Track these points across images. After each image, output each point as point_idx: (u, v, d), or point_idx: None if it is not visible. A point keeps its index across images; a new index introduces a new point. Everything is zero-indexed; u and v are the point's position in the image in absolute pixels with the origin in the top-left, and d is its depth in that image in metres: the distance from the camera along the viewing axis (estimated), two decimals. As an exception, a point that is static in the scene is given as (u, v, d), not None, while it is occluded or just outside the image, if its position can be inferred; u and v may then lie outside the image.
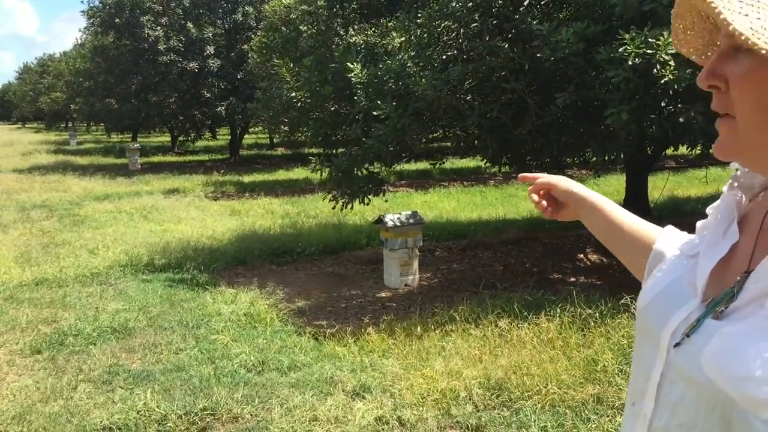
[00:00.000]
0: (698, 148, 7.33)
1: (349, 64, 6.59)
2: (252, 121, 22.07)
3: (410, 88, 6.41)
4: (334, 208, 7.04)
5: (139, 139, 35.84)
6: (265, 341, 5.30)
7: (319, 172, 6.94)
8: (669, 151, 8.88)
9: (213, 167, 21.64)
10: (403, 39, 6.90)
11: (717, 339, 0.83)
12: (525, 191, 14.71)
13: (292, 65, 7.02)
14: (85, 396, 4.42)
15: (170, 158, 26.28)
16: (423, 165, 17.58)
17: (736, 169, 1.00)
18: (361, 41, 11.77)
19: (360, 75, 6.53)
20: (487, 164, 8.16)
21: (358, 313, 6.45)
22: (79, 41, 39.21)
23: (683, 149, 7.84)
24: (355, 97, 6.64)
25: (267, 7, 16.04)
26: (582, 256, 8.55)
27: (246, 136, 29.46)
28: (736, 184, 0.99)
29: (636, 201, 8.78)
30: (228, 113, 21.38)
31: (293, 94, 6.89)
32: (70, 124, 61.52)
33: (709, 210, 1.06)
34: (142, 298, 6.57)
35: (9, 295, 6.78)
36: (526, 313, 5.43)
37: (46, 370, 4.85)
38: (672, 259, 1.04)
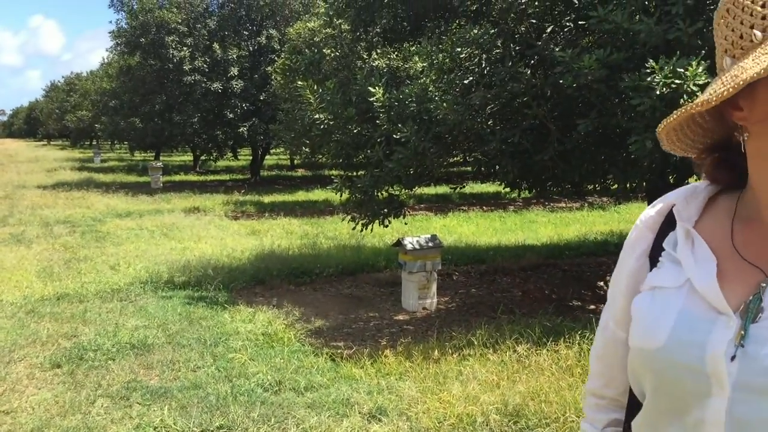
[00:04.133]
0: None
1: (371, 87, 6.65)
2: (274, 143, 22.26)
3: (432, 112, 6.45)
4: (354, 228, 7.06)
5: (161, 158, 36.28)
6: (282, 361, 5.31)
7: (340, 193, 6.97)
8: (692, 179, 8.82)
9: (234, 187, 21.84)
10: (425, 64, 6.96)
11: None
12: (545, 217, 14.72)
13: (315, 87, 7.10)
14: (103, 411, 4.45)
15: (192, 177, 26.56)
16: (442, 189, 17.61)
17: (673, 205, 1.08)
18: (384, 65, 11.91)
19: (382, 98, 6.58)
20: (507, 189, 8.17)
21: (375, 335, 6.44)
22: (106, 60, 40.01)
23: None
24: (377, 120, 6.69)
25: (292, 30, 16.34)
26: (602, 283, 8.48)
27: (267, 157, 29.73)
28: (678, 217, 1.05)
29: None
30: (250, 134, 21.59)
31: (316, 115, 6.96)
32: (94, 142, 62.50)
33: (631, 250, 1.12)
34: (162, 315, 6.62)
35: (30, 309, 6.86)
36: (544, 339, 5.41)
37: (65, 384, 4.89)
38: (658, 297, 1.01)
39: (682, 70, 5.01)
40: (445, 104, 6.16)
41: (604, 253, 10.54)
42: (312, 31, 14.15)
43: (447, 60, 6.70)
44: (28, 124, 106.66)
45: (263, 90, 21.08)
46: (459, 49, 6.49)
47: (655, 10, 5.78)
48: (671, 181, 8.34)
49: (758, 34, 0.87)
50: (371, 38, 8.67)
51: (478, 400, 4.44)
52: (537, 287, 8.33)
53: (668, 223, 1.08)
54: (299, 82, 7.29)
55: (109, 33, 22.31)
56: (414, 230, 11.49)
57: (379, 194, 6.83)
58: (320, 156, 16.51)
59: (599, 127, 5.91)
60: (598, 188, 7.82)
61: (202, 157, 28.43)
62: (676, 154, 1.07)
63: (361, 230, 7.00)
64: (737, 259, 0.97)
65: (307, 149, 15.44)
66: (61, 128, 62.56)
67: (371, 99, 6.56)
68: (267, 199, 18.29)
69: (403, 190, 7.37)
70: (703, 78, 4.99)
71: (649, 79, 5.07)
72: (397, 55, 11.36)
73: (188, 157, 37.77)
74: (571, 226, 13.27)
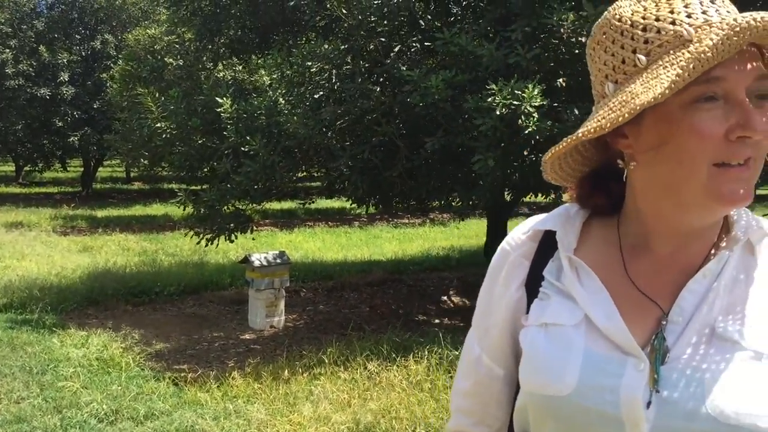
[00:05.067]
0: (551, 195, 7.76)
1: (218, 98, 6.42)
2: (108, 154, 20.99)
3: (281, 126, 6.33)
4: (198, 244, 6.75)
5: (-23, 168, 33.08)
6: (119, 388, 4.92)
7: (184, 207, 6.65)
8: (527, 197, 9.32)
9: (63, 200, 20.31)
10: (274, 76, 6.84)
11: (697, 379, 0.84)
12: (389, 232, 14.93)
13: (158, 95, 6.75)
14: None
15: (14, 189, 24.40)
16: (288, 204, 17.43)
17: (546, 231, 1.02)
18: (229, 76, 11.62)
19: (230, 110, 6.37)
20: (353, 205, 8.20)
21: (221, 356, 6.17)
22: None
23: (540, 197, 8.28)
24: (225, 132, 6.46)
25: (130, 35, 15.55)
26: (446, 298, 8.72)
27: (100, 168, 27.97)
28: (560, 245, 0.99)
29: (496, 245, 9.11)
30: (82, 144, 20.23)
31: (158, 124, 6.61)
32: None
33: (506, 279, 1.04)
34: (-22, 341, 5.95)
35: None
36: (394, 355, 5.42)
37: None
38: (554, 336, 0.94)
39: (519, 92, 5.26)
40: (295, 117, 6.07)
41: (446, 267, 10.88)
42: (152, 38, 13.53)
43: (297, 74, 6.63)
44: None
45: (97, 98, 19.85)
46: (309, 63, 6.44)
47: (495, 36, 6.05)
48: (507, 198, 8.77)
49: (642, 58, 0.85)
50: (217, 49, 8.40)
51: (330, 420, 4.35)
52: (384, 303, 8.40)
53: (543, 250, 1.02)
54: (140, 90, 6.89)
55: None
56: (259, 246, 11.24)
57: (226, 209, 6.59)
58: (162, 168, 15.80)
59: (445, 145, 6.06)
60: (442, 204, 8.05)
61: (26, 168, 26.26)
62: (556, 183, 1.03)
63: (206, 246, 6.71)
64: (630, 292, 0.93)
65: (145, 161, 14.72)
66: None
67: (219, 110, 6.33)
68: (100, 213, 17.20)
69: (251, 204, 7.18)
70: (539, 100, 5.27)
71: (489, 100, 5.28)
72: (243, 67, 11.13)
73: (9, 168, 34.75)
74: (414, 242, 13.58)
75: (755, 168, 0.86)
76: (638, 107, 0.82)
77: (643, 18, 0.87)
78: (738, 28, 0.78)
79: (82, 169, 25.24)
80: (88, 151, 21.30)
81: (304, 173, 7.22)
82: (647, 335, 0.89)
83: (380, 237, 14.47)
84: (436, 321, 7.62)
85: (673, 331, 0.88)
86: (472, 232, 14.48)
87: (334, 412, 4.45)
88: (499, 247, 1.09)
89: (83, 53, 20.95)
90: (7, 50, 19.13)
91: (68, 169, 33.06)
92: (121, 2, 19.37)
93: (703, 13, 0.84)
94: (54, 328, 6.46)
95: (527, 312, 1.00)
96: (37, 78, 19.49)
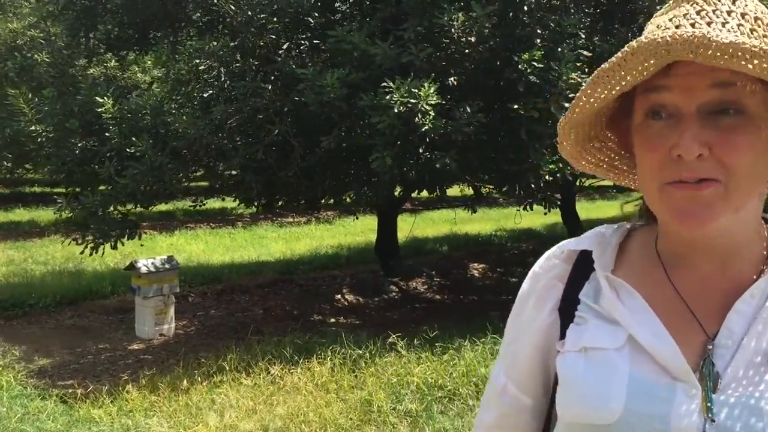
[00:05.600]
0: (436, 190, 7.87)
1: (98, 98, 6.07)
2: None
3: (169, 126, 6.08)
4: (82, 253, 6.35)
5: None
6: (3, 410, 4.55)
7: (64, 213, 6.22)
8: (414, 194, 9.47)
9: None
10: (159, 74, 6.56)
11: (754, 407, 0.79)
12: (274, 232, 14.70)
13: (30, 96, 6.29)
14: None
15: None
16: (165, 206, 16.77)
17: (579, 252, 0.97)
18: (100, 73, 11.02)
19: (112, 110, 6.04)
20: (240, 205, 8.01)
21: (109, 369, 5.85)
22: None
23: (424, 193, 8.43)
24: (107, 134, 6.12)
25: (-12, 29, 14.37)
26: (339, 296, 8.70)
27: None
28: (597, 265, 0.94)
29: (387, 240, 9.21)
30: (-69, 146, 18.53)
31: (32, 127, 6.15)
32: None
33: (539, 303, 0.99)
34: None
35: None
36: (297, 357, 5.34)
37: None
38: (595, 360, 0.89)
39: (416, 90, 5.33)
40: (184, 117, 5.84)
41: (336, 266, 10.84)
42: (14, 33, 12.57)
43: (184, 71, 6.39)
44: None
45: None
46: (197, 61, 6.22)
47: (387, 35, 6.09)
48: (397, 195, 8.85)
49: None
50: (92, 45, 7.94)
51: (237, 428, 4.23)
52: (277, 304, 8.27)
53: (578, 272, 0.97)
54: (10, 90, 6.39)
55: None
56: (139, 251, 10.74)
57: (110, 213, 6.24)
58: (27, 171, 14.77)
59: (341, 143, 6.04)
60: (335, 202, 8.02)
61: None
62: (592, 172, 0.99)
63: (90, 254, 6.32)
64: (674, 314, 0.87)
65: (8, 163, 13.75)
66: None
67: (100, 110, 5.98)
68: (-44, 221, 15.84)
69: (137, 208, 6.84)
70: (435, 98, 5.37)
71: (387, 98, 5.31)
72: (116, 63, 10.58)
73: None
74: (301, 241, 13.47)
75: (726, 188, 0.79)
76: (571, 113, 0.86)
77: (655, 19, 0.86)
78: (635, 47, 0.77)
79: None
80: (-61, 153, 19.55)
81: (194, 174, 6.95)
82: (695, 359, 0.83)
83: (266, 237, 14.23)
84: (332, 320, 7.60)
85: (722, 356, 0.83)
86: (358, 229, 14.52)
87: (240, 420, 4.32)
88: (530, 272, 1.04)
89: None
90: None
91: None
92: (-24, -8, 17.88)
93: (677, 27, 0.78)
94: None
95: (562, 337, 0.94)
96: None
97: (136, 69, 12.18)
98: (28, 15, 13.39)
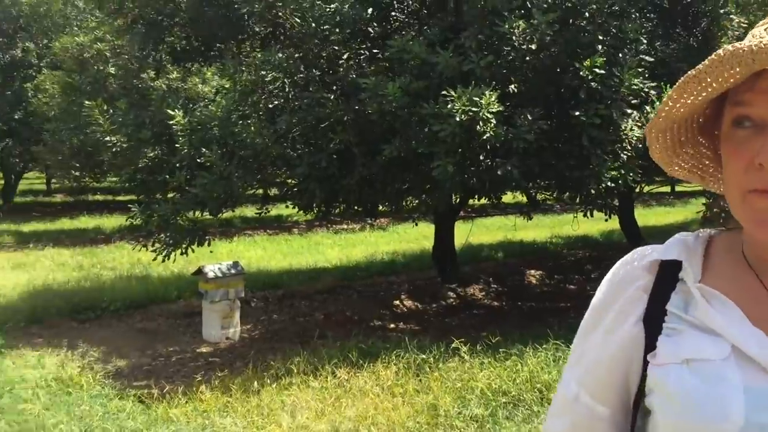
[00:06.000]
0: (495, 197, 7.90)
1: (170, 110, 6.31)
2: (34, 165, 20.17)
3: (236, 136, 6.29)
4: (154, 259, 6.60)
5: None
6: (85, 408, 4.77)
7: (139, 220, 6.48)
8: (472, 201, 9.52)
9: (-18, 215, 19.38)
10: (226, 85, 6.78)
11: None
12: (329, 239, 14.88)
13: (105, 107, 6.58)
14: None
15: (-74, 205, 23.14)
16: (225, 214, 17.13)
17: (662, 261, 0.96)
18: (164, 85, 11.36)
19: (182, 121, 6.28)
20: (299, 213, 8.18)
21: (180, 371, 6.06)
22: None
23: (482, 200, 8.48)
24: (177, 144, 6.36)
25: (57, 44, 14.98)
26: (398, 302, 8.79)
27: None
28: (686, 276, 0.93)
29: (444, 246, 9.27)
30: (3, 156, 19.34)
31: (108, 137, 6.43)
32: None
33: (621, 314, 0.97)
34: None
35: None
36: (361, 361, 5.45)
37: None
38: (702, 372, 0.87)
39: (477, 98, 5.40)
40: (252, 128, 6.03)
41: (392, 272, 10.94)
42: (81, 47, 13.08)
43: (249, 82, 6.59)
44: None
45: (18, 108, 19.02)
46: (263, 73, 6.41)
47: (447, 43, 6.17)
48: (455, 201, 8.91)
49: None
50: (159, 58, 8.24)
51: (309, 429, 4.35)
52: (338, 310, 8.40)
53: (663, 282, 0.95)
54: (87, 102, 6.70)
55: None
56: (200, 257, 11.04)
57: (181, 221, 6.47)
58: (92, 179, 15.27)
59: (402, 151, 6.15)
60: (394, 209, 8.13)
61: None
62: (683, 177, 1.00)
63: (163, 260, 6.56)
64: None
65: (76, 172, 14.28)
66: None
67: (171, 122, 6.22)
68: (26, 228, 16.46)
69: (202, 215, 7.07)
70: (496, 106, 5.43)
71: (449, 106, 5.39)
72: (177, 75, 10.91)
73: None
74: (357, 247, 13.60)
75: None
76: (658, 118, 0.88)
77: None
78: (722, 55, 0.78)
79: (1, 182, 24.13)
80: (10, 164, 20.39)
81: (261, 183, 7.14)
82: None
83: (322, 243, 14.42)
84: (392, 326, 7.69)
85: None
86: (412, 236, 14.61)
87: (311, 421, 4.45)
88: (607, 281, 1.02)
89: (2, 62, 20.05)
90: None
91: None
92: (46, 9, 18.62)
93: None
94: (2, 350, 6.20)
95: (650, 349, 0.93)
96: (-49, 87, 18.57)
97: (197, 80, 12.56)
98: (94, 29, 13.92)
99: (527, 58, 5.97)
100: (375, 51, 7.26)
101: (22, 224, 17.28)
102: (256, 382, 5.14)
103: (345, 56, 7.03)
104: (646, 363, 0.93)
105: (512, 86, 6.23)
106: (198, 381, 5.33)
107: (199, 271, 7.06)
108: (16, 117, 19.09)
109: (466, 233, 11.28)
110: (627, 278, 0.99)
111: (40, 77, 17.07)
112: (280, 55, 6.40)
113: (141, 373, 5.96)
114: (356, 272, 10.80)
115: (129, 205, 6.56)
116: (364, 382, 5.06)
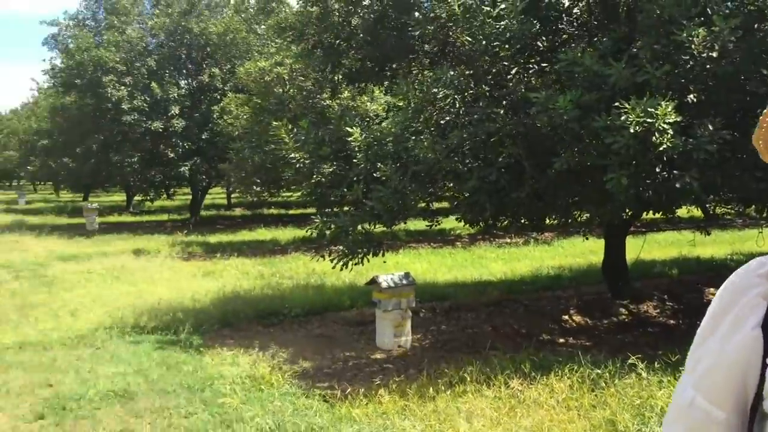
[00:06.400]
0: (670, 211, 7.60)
1: (348, 128, 6.72)
2: (220, 182, 21.95)
3: (410, 152, 6.56)
4: (333, 267, 7.03)
5: (90, 198, 35.12)
6: (277, 404, 5.20)
7: (316, 229, 6.93)
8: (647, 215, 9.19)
9: (174, 228, 21.33)
10: (400, 103, 7.09)
11: None
12: (493, 252, 14.90)
13: (290, 126, 7.12)
14: (99, 463, 4.26)
15: (127, 218, 25.83)
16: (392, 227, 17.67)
17: None
18: (335, 104, 11.98)
19: (359, 138, 6.65)
20: (465, 226, 8.31)
21: (357, 375, 6.39)
22: (31, 99, 38.79)
23: (649, 215, 8.18)
24: (354, 159, 6.74)
25: (241, 69, 16.29)
26: (566, 317, 8.69)
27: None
28: None
29: (615, 261, 9.03)
30: (192, 173, 21.22)
31: (292, 155, 6.97)
32: (15, 183, 59.99)
33: (740, 320, 1.00)
34: (136, 360, 6.41)
35: (-7, 358, 6.54)
36: (534, 373, 5.49)
37: (54, 437, 4.67)
38: None
39: (652, 109, 5.28)
40: (425, 143, 6.28)
41: (559, 287, 10.79)
42: (262, 71, 14.15)
43: (421, 100, 6.85)
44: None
45: (205, 129, 20.82)
46: (435, 90, 6.64)
47: (619, 54, 6.08)
48: (627, 215, 8.66)
49: None
50: (337, 79, 8.76)
51: (485, 436, 4.47)
52: (505, 323, 8.46)
53: None
54: (274, 122, 7.29)
55: (43, 71, 21.72)
56: (369, 268, 11.49)
57: (357, 232, 6.85)
58: (271, 194, 16.37)
59: (572, 164, 6.12)
60: (564, 222, 8.05)
61: (137, 198, 27.69)
62: None
63: (341, 269, 6.98)
64: None
65: (257, 188, 15.39)
66: (-21, 170, 59.78)
67: (349, 139, 6.62)
68: (212, 239, 17.94)
69: (375, 227, 7.41)
70: (673, 116, 5.28)
71: (623, 118, 5.32)
72: (348, 94, 11.47)
73: (120, 197, 36.77)
74: (521, 262, 13.54)
75: None
76: None
77: None
78: None
79: (190, 197, 26.40)
80: (197, 180, 22.30)
81: (432, 196, 7.38)
82: None
83: (485, 257, 14.49)
84: (561, 340, 7.62)
85: None
86: (578, 250, 14.32)
87: (488, 429, 4.56)
88: (724, 289, 1.05)
89: (191, 87, 22.04)
90: (123, 87, 20.35)
91: (173, 197, 34.79)
92: (232, 38, 20.27)
93: None
94: (201, 349, 6.88)
95: (766, 354, 0.96)
96: (150, 112, 20.63)
97: (365, 99, 13.15)
98: (273, 54, 15.00)
99: (707, 66, 5.75)
100: (543, 65, 7.29)
101: (208, 235, 18.84)
102: (431, 389, 5.34)
103: (513, 71, 7.13)
104: (764, 367, 0.95)
105: (691, 96, 6.02)
106: (377, 384, 5.62)
107: (373, 281, 7.41)
108: (203, 137, 20.90)
109: (637, 248, 10.91)
110: (745, 285, 1.01)
111: (225, 100, 18.58)
112: (451, 72, 6.60)
113: (323, 375, 6.36)
114: (522, 286, 10.78)
115: (311, 217, 6.99)
116: (537, 393, 5.10)
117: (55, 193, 47.95)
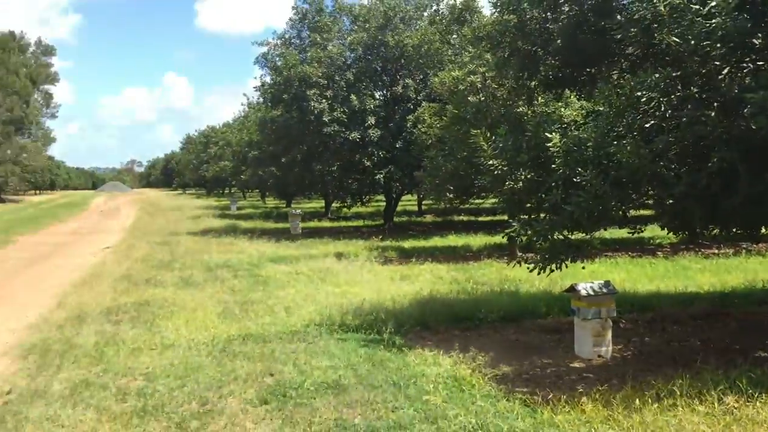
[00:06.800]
0: None
1: (547, 134, 6.73)
2: (414, 189, 22.73)
3: (611, 156, 6.43)
4: (531, 271, 7.07)
5: (292, 205, 37.73)
6: (479, 405, 5.35)
7: (512, 234, 6.99)
8: None
9: (369, 233, 22.35)
10: (601, 108, 6.97)
11: None
12: (698, 263, 14.02)
13: (489, 134, 7.27)
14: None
15: (326, 224, 27.47)
16: (578, 234, 17.21)
17: None
18: (528, 111, 11.92)
19: (559, 144, 6.63)
20: (668, 234, 7.94)
21: (557, 382, 6.37)
22: (241, 114, 42.50)
23: None
24: (552, 165, 6.73)
25: (435, 79, 16.74)
26: (789, 334, 8.00)
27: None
28: None
29: None
30: (386, 181, 22.10)
31: (490, 162, 7.11)
32: (227, 191, 65.86)
33: None
34: (345, 356, 6.87)
35: (222, 348, 7.33)
36: (751, 390, 5.17)
37: (279, 421, 5.17)
38: None
39: None
40: (628, 148, 6.13)
41: (782, 302, 9.95)
42: (456, 80, 14.44)
43: (624, 104, 6.69)
44: (165, 175, 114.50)
45: (399, 138, 21.60)
46: (638, 94, 6.46)
47: None
48: None
49: None
50: (533, 86, 8.77)
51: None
52: (715, 337, 7.97)
53: None
54: (473, 131, 7.47)
55: (255, 88, 23.72)
56: (565, 276, 11.30)
57: (556, 237, 6.83)
58: (461, 201, 16.65)
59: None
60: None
61: (334, 204, 29.29)
62: None
63: (538, 273, 7.00)
64: None
65: (450, 195, 15.70)
66: (197, 178, 66.37)
67: (548, 144, 6.62)
68: (406, 244, 18.57)
69: (573, 234, 7.33)
70: None
71: None
72: (542, 100, 11.38)
73: (318, 204, 39.11)
74: (732, 274, 12.62)
75: None
76: None
77: None
78: None
79: (381, 204, 27.47)
80: (391, 187, 23.17)
81: (634, 203, 7.17)
82: None
83: (690, 268, 13.66)
84: (783, 359, 7.05)
85: None
86: (800, 263, 13.07)
87: (700, 445, 4.38)
88: None
89: (386, 98, 22.99)
90: (324, 100, 21.69)
91: (366, 204, 36.36)
92: (426, 49, 20.91)
93: None
94: (403, 348, 7.22)
95: None
96: (348, 123, 21.80)
97: (559, 104, 12.95)
98: (467, 63, 15.24)
99: None
100: (759, 63, 6.81)
101: (402, 241, 19.52)
102: (637, 400, 5.20)
103: (725, 71, 6.74)
104: None
105: None
106: (579, 392, 5.58)
107: (572, 289, 7.32)
108: (397, 146, 21.68)
109: None
110: None
111: (420, 110, 19.17)
112: (656, 75, 6.38)
113: (521, 380, 6.41)
114: (733, 299, 10.09)
115: (510, 221, 7.07)
116: (756, 411, 4.80)
117: (261, 200, 52.11)
